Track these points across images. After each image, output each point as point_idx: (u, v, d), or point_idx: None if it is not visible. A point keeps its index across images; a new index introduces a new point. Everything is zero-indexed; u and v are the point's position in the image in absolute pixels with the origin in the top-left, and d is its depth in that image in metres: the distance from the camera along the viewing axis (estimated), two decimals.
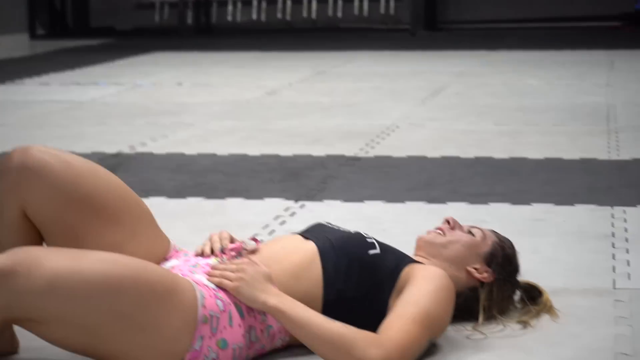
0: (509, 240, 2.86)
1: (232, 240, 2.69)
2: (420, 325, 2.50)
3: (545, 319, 2.84)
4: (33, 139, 5.58)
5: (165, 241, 2.69)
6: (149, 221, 2.64)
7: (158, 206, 3.61)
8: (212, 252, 2.65)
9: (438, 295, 2.56)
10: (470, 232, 2.82)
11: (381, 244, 2.69)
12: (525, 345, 2.67)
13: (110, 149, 5.31)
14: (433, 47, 10.84)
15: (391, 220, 3.88)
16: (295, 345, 2.61)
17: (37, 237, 2.55)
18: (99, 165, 2.61)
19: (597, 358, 2.58)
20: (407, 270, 2.64)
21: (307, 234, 2.72)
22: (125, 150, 5.31)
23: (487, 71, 8.63)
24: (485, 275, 2.76)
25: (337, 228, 2.75)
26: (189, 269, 2.59)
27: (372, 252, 2.65)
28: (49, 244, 2.54)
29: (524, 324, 2.79)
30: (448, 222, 2.85)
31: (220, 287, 2.51)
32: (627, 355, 2.59)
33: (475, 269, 2.77)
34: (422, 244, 2.82)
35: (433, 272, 2.61)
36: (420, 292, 2.55)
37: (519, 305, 2.88)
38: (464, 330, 2.75)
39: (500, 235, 2.86)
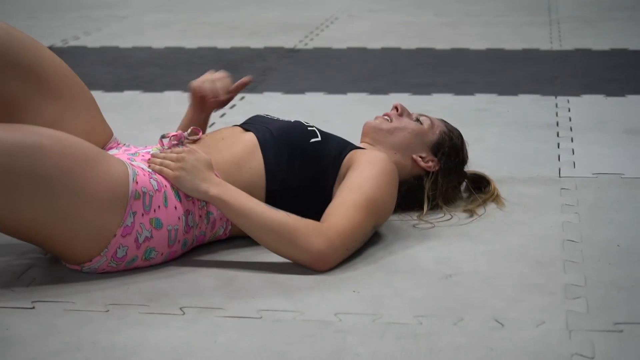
0: (458, 131, 2.81)
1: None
2: (363, 210, 2.45)
3: (492, 207, 2.81)
4: None
5: (107, 130, 2.61)
6: (92, 105, 2.57)
7: (95, 99, 3.52)
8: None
9: (380, 180, 2.51)
10: (418, 120, 2.77)
11: (322, 132, 2.63)
12: (472, 233, 2.65)
13: (42, 43, 5.14)
14: None
15: (333, 112, 3.82)
16: (237, 237, 2.56)
17: None
18: None
19: (545, 245, 2.56)
20: (350, 156, 2.59)
21: (246, 125, 2.66)
22: (58, 44, 5.16)
23: None
24: (430, 164, 2.72)
25: (276, 118, 2.69)
26: (127, 157, 2.51)
27: (313, 140, 2.59)
28: None
29: (471, 213, 2.76)
30: (396, 108, 2.79)
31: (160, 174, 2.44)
32: (574, 242, 2.58)
33: (421, 157, 2.72)
34: (368, 130, 2.76)
35: (375, 157, 2.56)
36: (362, 177, 2.50)
37: (465, 195, 2.85)
38: (410, 219, 2.72)
39: (449, 125, 2.81)
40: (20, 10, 6.30)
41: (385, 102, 3.91)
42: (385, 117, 2.78)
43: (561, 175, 3.09)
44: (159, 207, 2.38)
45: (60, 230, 2.28)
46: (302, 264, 2.40)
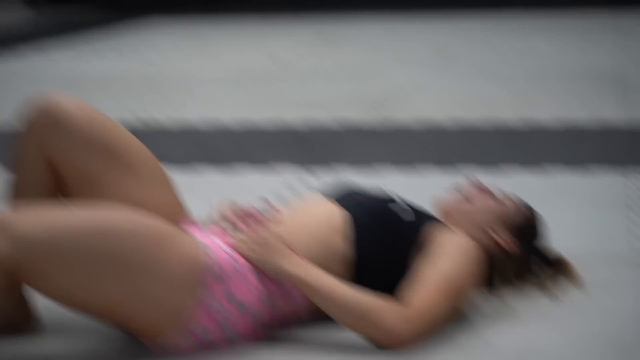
0: (537, 213, 2.79)
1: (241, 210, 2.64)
2: (445, 293, 2.44)
3: (569, 288, 2.77)
4: None
5: (183, 208, 2.64)
6: (167, 183, 2.63)
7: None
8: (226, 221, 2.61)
9: (463, 262, 2.50)
10: (497, 198, 2.75)
11: (408, 205, 2.64)
12: (549, 314, 2.62)
13: (115, 119, 5.21)
14: (438, 6, 10.74)
15: (402, 185, 3.82)
16: (318, 317, 2.55)
17: (56, 184, 2.56)
18: None
19: (625, 329, 2.52)
20: (433, 231, 2.59)
21: (331, 195, 2.67)
22: (130, 120, 5.24)
23: (494, 32, 8.54)
24: (509, 245, 2.70)
25: (363, 190, 2.69)
26: (203, 234, 2.54)
27: (394, 207, 2.60)
28: (69, 191, 2.56)
29: (548, 293, 2.73)
30: (476, 185, 2.77)
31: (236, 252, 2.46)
32: None
33: (500, 237, 2.70)
34: (444, 208, 2.75)
35: (460, 239, 2.56)
36: (446, 257, 2.50)
37: (543, 276, 2.82)
38: (488, 299, 2.69)
39: (528, 205, 2.78)
40: (94, 87, 6.41)
41: (454, 175, 3.90)
42: (464, 194, 2.77)
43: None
44: (239, 288, 2.40)
45: (136, 308, 2.30)
46: (380, 345, 2.39)
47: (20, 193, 2.56)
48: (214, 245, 2.43)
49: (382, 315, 2.38)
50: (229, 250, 2.45)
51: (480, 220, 2.71)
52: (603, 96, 5.52)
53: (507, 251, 2.70)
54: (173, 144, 4.63)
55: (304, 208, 2.64)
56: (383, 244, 2.55)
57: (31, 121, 2.55)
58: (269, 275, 2.45)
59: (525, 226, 2.73)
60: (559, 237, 3.13)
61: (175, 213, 2.62)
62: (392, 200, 2.64)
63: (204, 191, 3.83)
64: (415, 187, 3.81)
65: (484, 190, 2.77)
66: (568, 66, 6.60)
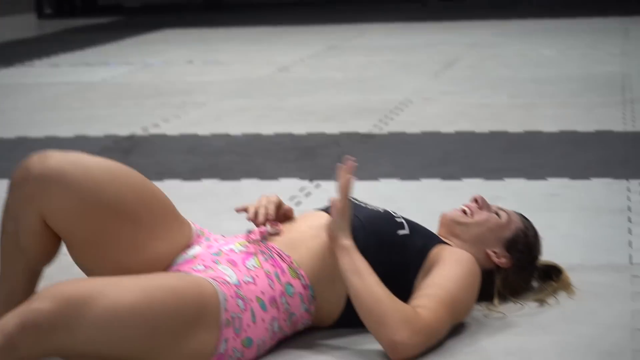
0: (534, 228, 2.83)
1: (280, 205, 2.69)
2: (449, 309, 2.51)
3: (562, 296, 2.83)
4: (45, 122, 5.59)
5: (187, 228, 2.65)
6: (169, 213, 2.60)
7: (173, 189, 3.61)
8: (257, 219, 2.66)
9: (466, 281, 2.57)
10: (497, 214, 2.80)
11: (410, 224, 2.69)
12: (542, 322, 2.67)
13: (123, 131, 5.30)
14: (445, 18, 10.81)
15: (406, 199, 3.87)
16: (314, 329, 2.61)
17: (56, 241, 2.55)
18: (114, 161, 2.57)
19: (614, 335, 2.57)
20: (436, 251, 2.64)
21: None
22: (138, 132, 5.31)
23: (500, 42, 8.59)
24: (503, 260, 2.75)
25: (364, 205, 2.73)
26: (212, 258, 2.57)
27: (401, 232, 2.65)
28: (69, 248, 2.55)
29: (541, 302, 2.78)
30: (476, 200, 2.83)
31: (242, 281, 2.49)
32: None
33: (495, 252, 2.75)
34: (446, 222, 2.80)
35: (462, 256, 2.62)
36: (450, 276, 2.56)
37: (536, 284, 2.87)
38: (482, 310, 2.75)
39: (525, 220, 2.83)
40: (103, 97, 6.49)
41: (457, 188, 3.96)
42: (465, 208, 2.82)
43: (632, 262, 3.10)
44: (248, 326, 2.44)
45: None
46: (380, 344, 2.46)
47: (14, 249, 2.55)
48: (224, 284, 2.44)
49: (389, 319, 2.44)
50: (235, 281, 2.47)
51: (476, 235, 2.76)
52: (606, 105, 5.56)
53: (500, 266, 2.75)
54: (181, 159, 4.69)
55: (306, 221, 2.68)
56: (379, 260, 2.59)
57: (22, 182, 2.49)
58: (272, 300, 2.50)
59: (521, 242, 2.78)
60: (557, 246, 3.19)
61: (183, 240, 2.61)
62: (395, 220, 2.68)
63: (210, 204, 3.89)
64: (418, 200, 3.86)
65: (484, 205, 2.81)
66: (573, 75, 6.63)
